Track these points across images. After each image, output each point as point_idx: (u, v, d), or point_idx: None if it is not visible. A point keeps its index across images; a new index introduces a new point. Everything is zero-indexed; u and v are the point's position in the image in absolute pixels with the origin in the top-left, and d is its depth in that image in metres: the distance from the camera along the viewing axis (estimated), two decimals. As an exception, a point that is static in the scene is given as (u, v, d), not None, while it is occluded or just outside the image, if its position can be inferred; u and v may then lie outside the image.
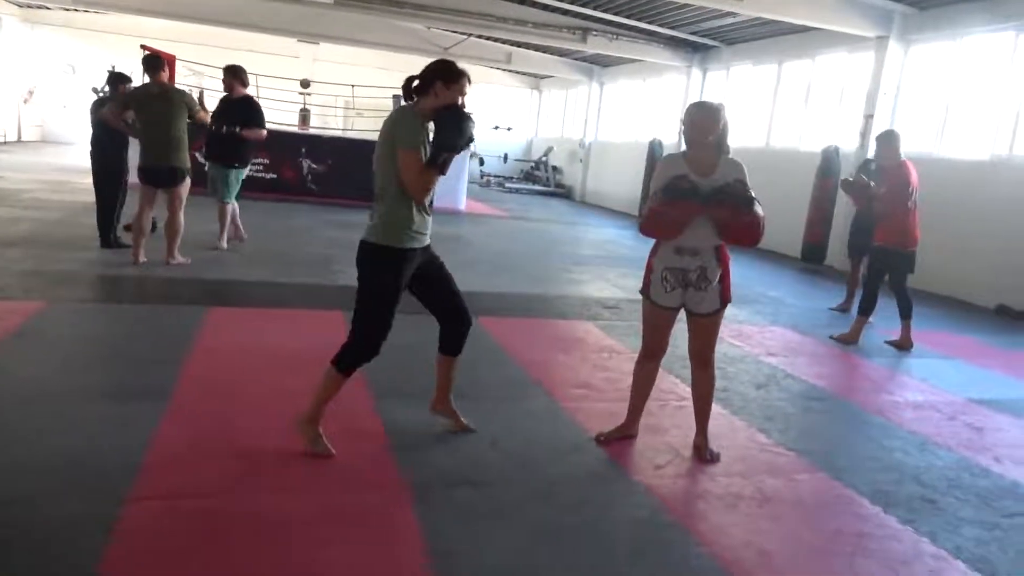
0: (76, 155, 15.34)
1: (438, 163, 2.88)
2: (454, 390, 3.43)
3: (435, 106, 2.94)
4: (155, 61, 6.47)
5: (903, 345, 6.06)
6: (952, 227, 8.74)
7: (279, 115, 14.77)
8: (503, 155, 22.25)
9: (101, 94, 8.06)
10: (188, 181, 6.42)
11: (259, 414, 3.45)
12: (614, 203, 18.03)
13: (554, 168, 21.71)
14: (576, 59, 19.30)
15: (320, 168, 12.54)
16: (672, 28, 14.04)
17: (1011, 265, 8.39)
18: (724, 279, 3.33)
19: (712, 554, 2.62)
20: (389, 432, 3.37)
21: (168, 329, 4.70)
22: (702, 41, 14.38)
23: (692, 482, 3.26)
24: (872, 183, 6.34)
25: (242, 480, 2.82)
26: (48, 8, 18.97)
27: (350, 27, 16.96)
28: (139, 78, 7.71)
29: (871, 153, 9.82)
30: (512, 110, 23.57)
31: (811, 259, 10.67)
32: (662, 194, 3.22)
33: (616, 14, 13.80)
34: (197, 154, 11.44)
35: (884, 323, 6.68)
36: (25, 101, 20.06)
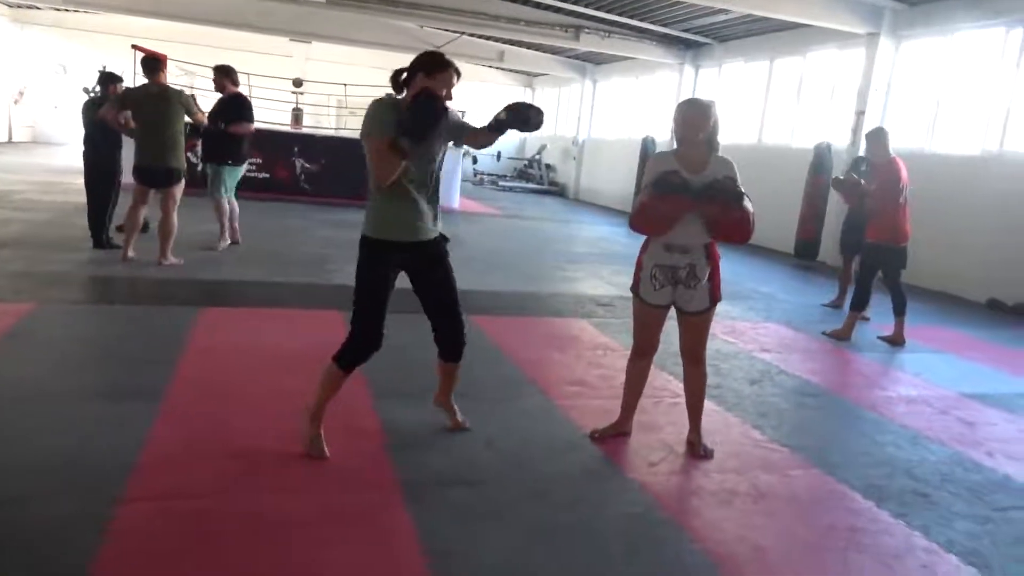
0: (67, 156, 15.28)
1: (398, 148, 2.83)
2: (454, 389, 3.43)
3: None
4: (154, 63, 6.47)
5: (896, 340, 6.09)
6: (943, 222, 8.78)
7: (272, 114, 14.74)
8: (496, 153, 22.23)
9: (92, 94, 8.01)
10: (183, 182, 6.41)
11: (253, 414, 3.45)
12: (607, 200, 18.05)
13: (547, 166, 21.71)
14: (569, 57, 19.30)
15: (313, 167, 12.51)
16: (664, 25, 14.05)
17: (1002, 260, 8.44)
18: (714, 277, 3.34)
19: (706, 550, 2.63)
20: (386, 432, 3.37)
21: (161, 329, 4.69)
22: (694, 38, 14.40)
23: (686, 479, 3.27)
24: (862, 181, 6.37)
25: (237, 480, 2.81)
26: (38, 8, 18.87)
27: (342, 26, 16.92)
28: (131, 78, 7.68)
29: (863, 150, 9.90)
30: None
31: (804, 255, 10.71)
32: (652, 188, 3.23)
33: (609, 12, 13.81)
34: (190, 154, 11.50)
35: (877, 319, 6.72)
36: (15, 102, 19.96)
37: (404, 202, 2.99)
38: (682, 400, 3.67)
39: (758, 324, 6.42)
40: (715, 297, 3.37)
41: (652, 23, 14.01)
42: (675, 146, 3.40)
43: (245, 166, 7.54)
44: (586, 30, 14.94)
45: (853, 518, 3.01)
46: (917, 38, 10.19)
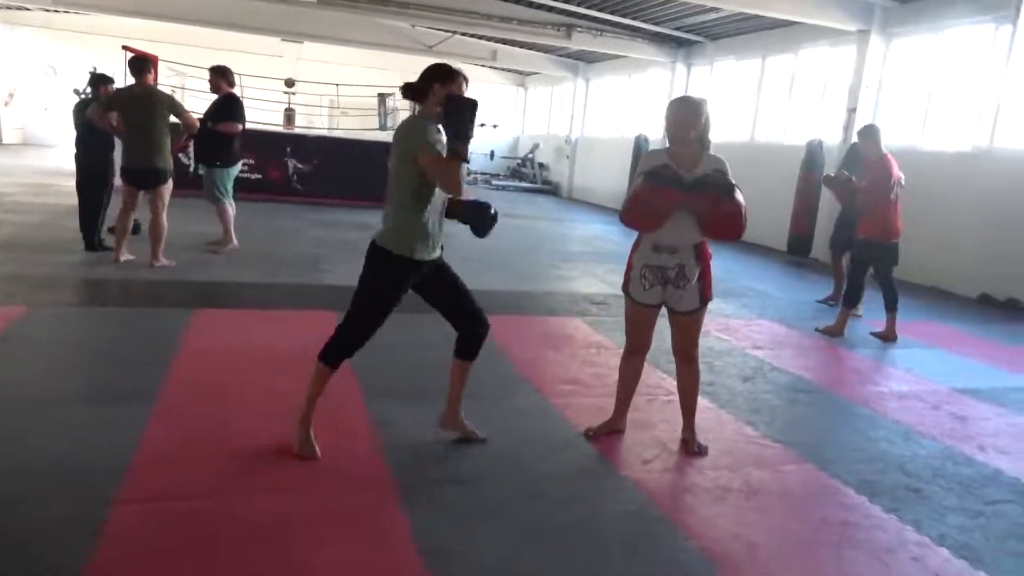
0: (58, 158, 15.20)
1: (459, 153, 2.87)
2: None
3: (433, 109, 2.98)
4: (141, 64, 6.44)
5: (888, 336, 6.12)
6: (934, 218, 8.83)
7: (264, 115, 14.70)
8: (489, 152, 22.23)
9: (83, 96, 7.99)
10: (170, 182, 6.39)
11: (247, 415, 3.45)
12: (601, 199, 18.07)
13: (540, 165, 21.72)
14: (561, 55, 19.31)
15: (306, 168, 12.48)
16: (656, 24, 14.08)
17: (993, 255, 8.49)
18: (704, 277, 3.33)
19: (700, 547, 2.65)
20: (380, 432, 3.37)
21: (154, 331, 4.67)
22: (686, 36, 14.42)
23: (680, 476, 3.29)
24: (853, 178, 6.40)
25: (231, 481, 2.81)
26: (28, 9, 18.76)
27: (334, 26, 16.88)
28: (122, 79, 7.65)
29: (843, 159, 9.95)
30: (498, 107, 23.55)
31: (797, 252, 10.75)
32: (645, 178, 3.23)
33: (601, 10, 13.82)
34: (181, 155, 11.46)
35: (869, 315, 6.75)
36: (5, 104, 19.85)
37: (433, 217, 3.04)
38: (675, 398, 3.68)
39: (751, 321, 6.44)
40: (705, 297, 3.37)
41: (644, 21, 14.03)
42: (667, 144, 3.40)
43: (239, 166, 7.48)
44: (578, 29, 14.96)
45: (846, 513, 3.03)
46: (907, 35, 10.24)
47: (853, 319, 6.42)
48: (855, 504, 3.11)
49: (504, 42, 18.07)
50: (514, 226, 12.52)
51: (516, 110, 24.70)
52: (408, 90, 3.06)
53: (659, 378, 4.49)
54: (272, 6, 14.99)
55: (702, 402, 3.71)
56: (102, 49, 17.16)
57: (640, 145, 15.95)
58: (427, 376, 4.02)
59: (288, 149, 12.52)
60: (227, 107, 7.17)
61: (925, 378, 5.14)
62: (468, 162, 2.93)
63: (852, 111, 10.45)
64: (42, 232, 7.56)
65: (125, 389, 3.63)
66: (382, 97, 19.27)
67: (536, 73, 22.17)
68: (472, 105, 2.91)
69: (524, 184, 21.29)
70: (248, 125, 7.51)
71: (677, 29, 14.15)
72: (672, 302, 3.36)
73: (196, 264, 6.68)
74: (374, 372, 4.12)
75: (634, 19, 13.98)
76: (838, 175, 6.77)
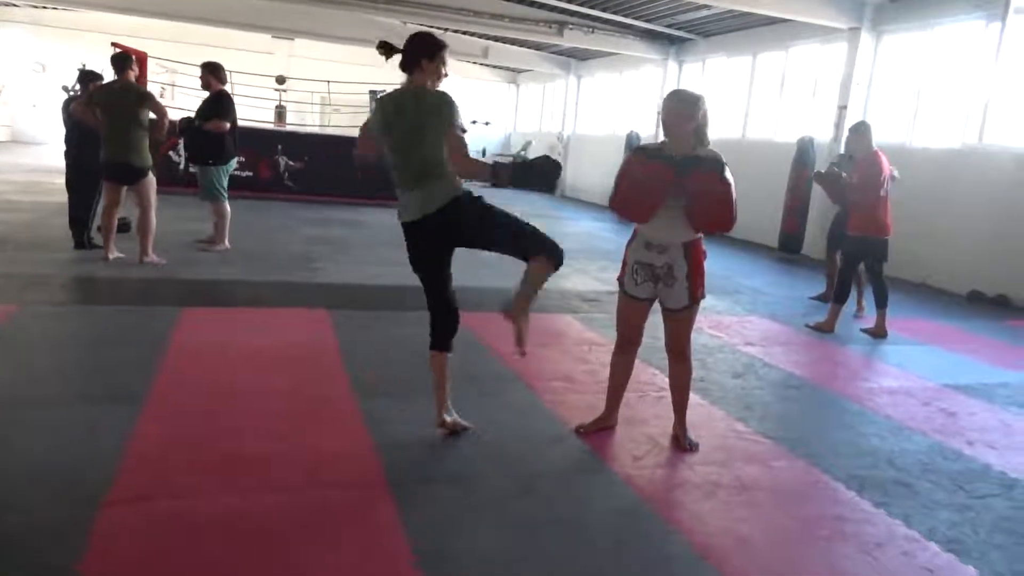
0: (47, 155, 15.11)
1: (498, 176, 3.03)
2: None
3: (423, 82, 3.10)
4: (122, 60, 6.42)
5: (878, 333, 6.14)
6: (924, 215, 8.87)
7: (254, 112, 14.64)
8: (482, 150, 22.19)
9: (72, 93, 7.93)
10: (151, 178, 6.37)
11: (238, 414, 3.43)
12: (593, 196, 18.07)
13: (533, 162, 21.69)
14: (553, 53, 19.30)
15: (297, 165, 12.45)
16: (648, 21, 14.09)
17: (983, 252, 8.54)
18: (695, 277, 3.31)
19: (692, 542, 2.65)
20: (371, 430, 3.36)
21: (143, 330, 4.65)
22: (677, 34, 14.44)
23: (671, 472, 3.30)
24: (844, 174, 6.42)
25: (221, 480, 2.80)
26: (16, 5, 18.63)
27: (325, 22, 16.82)
28: (109, 76, 7.59)
29: (843, 145, 9.97)
30: (490, 105, 23.53)
31: (788, 249, 10.79)
32: (634, 153, 3.29)
33: (592, 7, 13.83)
34: (171, 153, 11.41)
35: (868, 311, 6.77)
36: (-7, 100, 19.72)
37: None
38: (667, 394, 3.69)
39: (743, 318, 6.46)
40: (695, 296, 3.34)
41: (636, 18, 14.04)
42: (662, 138, 3.38)
43: (233, 163, 7.41)
44: (570, 26, 14.95)
45: (836, 508, 3.04)
46: (898, 32, 10.28)
47: (855, 318, 6.43)
48: (845, 499, 3.13)
49: (496, 39, 18.05)
50: (506, 223, 12.50)
51: (508, 107, 24.68)
52: (387, 50, 3.17)
53: (651, 374, 4.50)
54: (263, 3, 14.93)
55: (693, 398, 3.72)
56: (91, 46, 17.05)
57: (632, 142, 15.96)
58: (418, 374, 4.01)
59: (279, 146, 12.49)
60: (217, 105, 7.12)
61: (915, 374, 5.17)
62: (497, 183, 3.07)
63: (843, 108, 10.49)
64: (31, 230, 7.51)
65: (115, 388, 3.61)
66: (373, 94, 19.20)
67: (528, 70, 22.15)
68: (553, 169, 3.11)
69: (516, 181, 21.26)
70: (239, 122, 7.45)
71: (669, 26, 14.16)
72: (662, 299, 3.37)
73: (186, 262, 6.65)
74: (365, 370, 4.12)
75: (626, 16, 13.98)
76: (829, 172, 6.79)
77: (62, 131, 6.92)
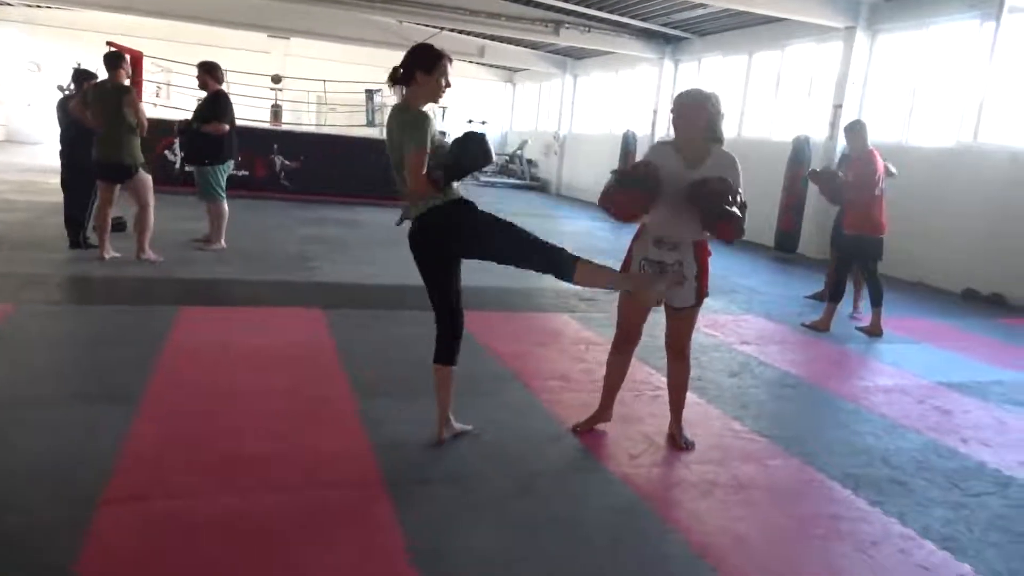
0: (42, 155, 15.06)
1: (435, 182, 2.91)
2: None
3: (419, 96, 2.99)
4: (114, 59, 6.42)
5: (873, 331, 6.17)
6: (919, 214, 8.90)
7: (250, 111, 14.60)
8: (478, 149, 22.19)
9: (67, 92, 7.90)
10: (145, 175, 6.36)
11: (234, 413, 3.43)
12: (589, 195, 18.06)
13: (529, 161, 21.71)
14: (549, 52, 19.30)
15: (293, 165, 12.43)
16: (644, 20, 14.10)
17: (977, 250, 8.58)
18: (702, 275, 3.30)
19: (688, 541, 2.66)
20: (369, 429, 3.37)
21: (140, 329, 4.64)
22: (673, 33, 14.45)
23: (668, 470, 3.31)
24: (840, 173, 6.44)
25: (218, 480, 2.80)
26: (10, 4, 18.55)
27: (321, 21, 16.80)
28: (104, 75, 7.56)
29: (839, 144, 10.00)
30: (486, 104, 23.52)
31: (784, 248, 10.81)
32: (614, 177, 3.24)
33: (588, 6, 13.83)
34: (167, 152, 11.39)
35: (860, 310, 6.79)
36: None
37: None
38: (663, 393, 3.70)
39: (739, 317, 6.48)
40: (702, 294, 3.33)
41: (632, 17, 14.05)
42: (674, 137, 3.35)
43: (231, 164, 7.39)
44: (566, 25, 14.95)
45: (832, 506, 3.06)
46: (893, 31, 10.31)
47: (851, 318, 6.44)
48: (841, 497, 3.14)
49: (492, 38, 18.05)
50: (503, 222, 12.51)
51: (504, 106, 24.67)
52: (395, 76, 3.03)
53: (647, 374, 4.51)
54: (259, 2, 14.90)
55: (690, 397, 3.73)
56: (86, 45, 16.98)
57: (628, 141, 15.98)
58: (416, 374, 4.02)
59: (275, 146, 12.46)
60: (215, 105, 7.10)
61: (910, 372, 5.19)
62: (437, 191, 2.94)
63: (838, 107, 10.51)
64: (27, 229, 7.49)
65: (111, 388, 3.61)
66: (370, 93, 19.21)
67: (524, 69, 22.15)
68: (478, 143, 2.90)
69: (512, 181, 21.28)
70: (236, 122, 7.43)
71: (665, 25, 14.18)
72: (668, 298, 3.31)
73: (182, 261, 6.64)
74: (363, 369, 4.12)
75: (622, 15, 13.99)
76: (824, 170, 6.81)
77: (57, 130, 6.90)
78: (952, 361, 5.64)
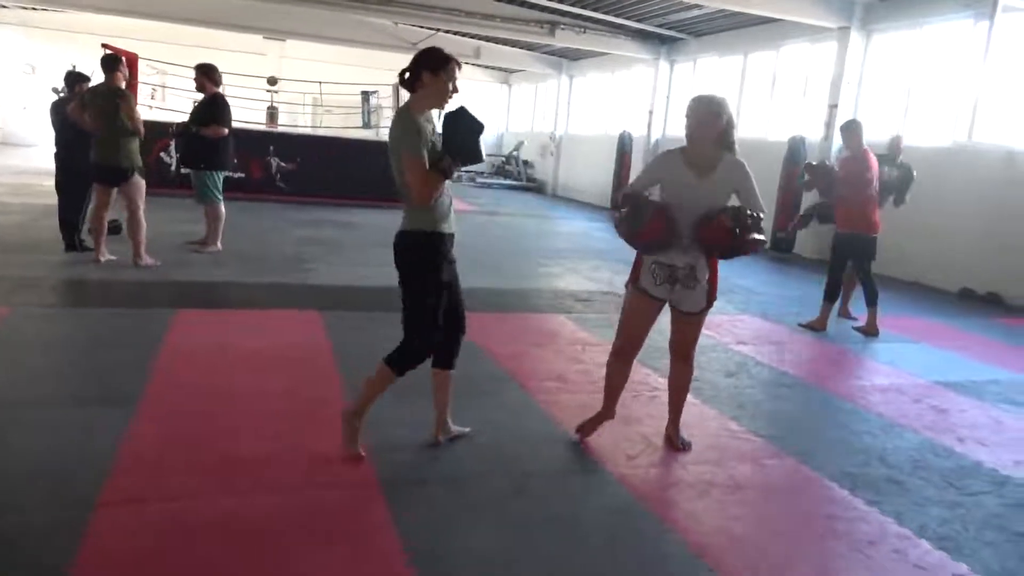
0: (37, 157, 15.02)
1: (442, 170, 2.85)
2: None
3: (425, 100, 2.92)
4: (110, 62, 6.42)
5: (869, 331, 6.17)
6: (915, 213, 8.85)
7: (246, 113, 14.58)
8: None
9: (61, 94, 7.89)
10: (138, 179, 6.35)
11: (230, 416, 3.43)
12: (586, 196, 18.11)
13: (525, 162, 21.73)
14: (545, 53, 19.32)
15: (289, 166, 12.41)
16: (639, 21, 14.12)
17: (973, 250, 8.60)
18: (712, 279, 3.26)
19: (686, 541, 2.66)
20: (365, 430, 3.36)
21: (136, 332, 4.63)
22: (669, 33, 14.48)
23: (665, 471, 3.30)
24: (835, 167, 6.44)
25: (214, 482, 2.79)
26: (5, 7, 18.50)
27: (317, 23, 16.80)
28: (99, 77, 7.56)
29: (835, 143, 10.03)
30: (482, 105, 23.52)
31: (780, 248, 10.83)
32: (626, 216, 3.15)
33: (584, 7, 13.85)
34: (163, 154, 11.37)
35: (853, 309, 6.79)
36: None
37: (444, 197, 3.00)
38: (660, 394, 3.69)
39: (735, 317, 6.48)
40: (711, 298, 3.29)
41: (627, 18, 14.07)
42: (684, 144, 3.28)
43: (224, 168, 7.36)
44: (562, 26, 14.97)
45: (828, 506, 3.06)
46: (887, 31, 10.34)
47: (838, 317, 6.43)
48: (838, 497, 3.14)
49: (488, 40, 18.06)
50: (498, 223, 12.51)
51: (500, 108, 24.68)
52: (403, 79, 2.98)
53: (644, 374, 4.50)
54: (255, 4, 14.88)
55: (687, 398, 3.73)
56: (81, 47, 16.95)
57: (624, 142, 16.01)
58: (411, 374, 4.01)
59: (271, 148, 12.45)
60: (213, 109, 7.08)
61: (906, 372, 5.20)
62: (449, 178, 2.89)
63: (833, 107, 10.54)
64: (21, 232, 7.47)
65: (107, 390, 3.60)
66: (365, 95, 19.20)
67: (520, 70, 22.17)
68: (466, 117, 2.84)
69: (509, 182, 21.29)
70: (232, 125, 7.41)
71: (660, 26, 14.19)
72: (677, 302, 3.27)
73: (178, 264, 6.62)
74: (359, 371, 4.11)
75: (617, 16, 14.01)
76: (820, 164, 6.82)
77: (52, 133, 6.88)
78: (949, 360, 5.65)
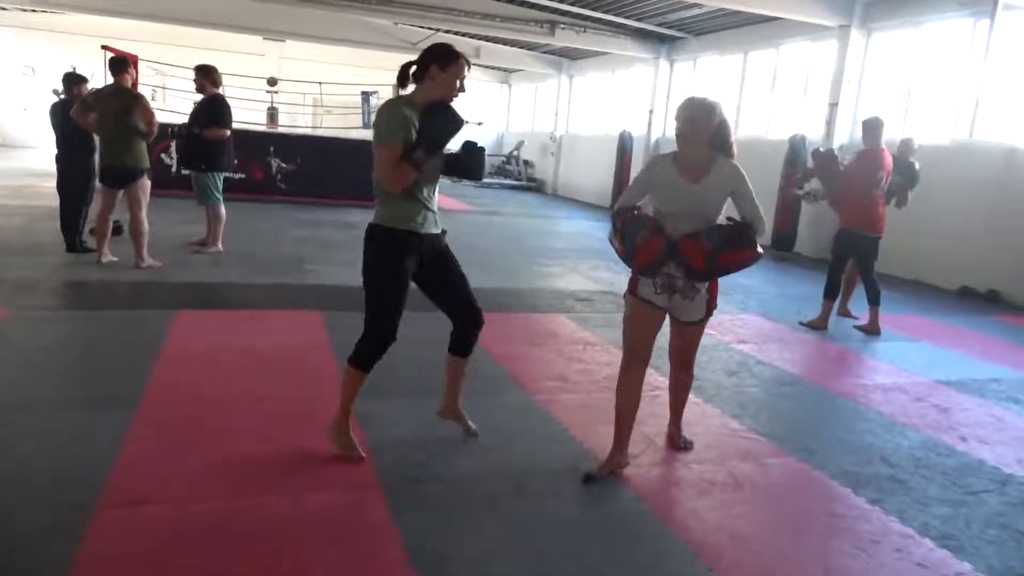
0: (37, 159, 15.03)
1: (412, 160, 2.81)
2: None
3: (431, 94, 2.89)
4: (119, 63, 6.43)
5: (871, 330, 6.16)
6: (916, 211, 8.83)
7: (246, 114, 14.59)
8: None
9: (61, 96, 7.89)
10: (146, 181, 6.34)
11: (230, 417, 3.42)
12: (586, 195, 18.10)
13: (525, 162, 21.72)
14: (545, 52, 19.31)
15: (289, 167, 12.41)
16: (639, 20, 14.11)
17: (974, 248, 8.59)
18: (712, 289, 3.19)
19: (687, 540, 2.66)
20: (365, 430, 3.35)
21: (136, 333, 4.63)
22: (669, 32, 14.47)
23: (666, 470, 3.30)
24: (840, 156, 6.41)
25: (213, 484, 2.79)
26: (5, 9, 18.51)
27: (317, 24, 16.79)
28: (100, 79, 7.57)
29: (836, 142, 10.02)
30: (482, 104, 23.52)
31: (780, 247, 10.82)
32: (623, 234, 3.08)
33: (583, 7, 13.83)
34: (163, 155, 11.37)
35: (854, 309, 6.78)
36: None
37: (415, 199, 2.98)
38: (661, 393, 3.69)
39: (736, 316, 6.47)
40: (711, 308, 3.21)
41: (627, 17, 14.05)
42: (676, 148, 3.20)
43: (224, 170, 7.35)
44: (561, 25, 14.96)
45: (830, 505, 3.05)
46: (887, 30, 10.32)
47: (836, 315, 6.42)
48: (839, 496, 3.13)
49: (487, 39, 18.05)
50: (498, 223, 12.51)
51: (500, 107, 24.67)
52: (407, 71, 2.96)
53: (645, 374, 4.48)
54: (254, 4, 14.87)
55: (688, 397, 3.72)
56: (81, 49, 16.96)
57: (624, 142, 16.01)
58: (411, 373, 4.02)
59: (271, 148, 12.45)
60: (213, 110, 7.08)
61: (908, 370, 5.19)
62: (419, 170, 2.84)
63: (834, 106, 10.53)
64: (22, 234, 7.47)
65: (107, 392, 3.60)
66: (365, 95, 19.19)
67: (520, 70, 22.15)
68: (457, 117, 2.83)
69: (509, 181, 21.28)
70: (233, 125, 7.41)
71: (660, 25, 14.18)
72: (677, 312, 3.19)
73: (179, 264, 6.62)
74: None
75: (617, 15, 14.00)
76: (827, 151, 6.78)
77: (51, 135, 6.88)
78: (950, 359, 5.64)
